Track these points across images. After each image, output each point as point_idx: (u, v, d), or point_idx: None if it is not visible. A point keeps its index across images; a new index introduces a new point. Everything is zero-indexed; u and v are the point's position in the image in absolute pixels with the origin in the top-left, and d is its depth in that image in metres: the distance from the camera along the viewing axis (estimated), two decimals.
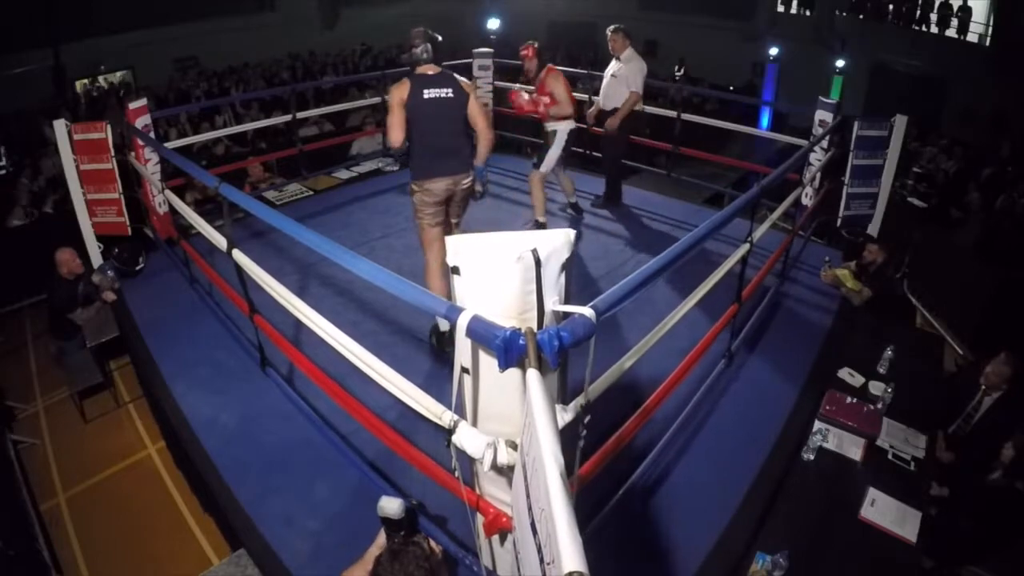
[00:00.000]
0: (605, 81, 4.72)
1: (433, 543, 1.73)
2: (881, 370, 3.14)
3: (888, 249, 3.85)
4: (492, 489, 1.63)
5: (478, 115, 2.96)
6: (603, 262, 4.13)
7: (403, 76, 2.93)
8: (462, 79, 2.98)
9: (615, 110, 4.62)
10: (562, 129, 4.23)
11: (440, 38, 3.02)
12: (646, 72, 4.56)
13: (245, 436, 2.68)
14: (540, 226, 4.32)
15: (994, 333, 4.48)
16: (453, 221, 3.15)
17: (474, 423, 1.56)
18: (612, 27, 4.62)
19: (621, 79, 4.55)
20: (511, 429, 1.45)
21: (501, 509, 1.60)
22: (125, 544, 3.33)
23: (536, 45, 4.30)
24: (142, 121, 4.01)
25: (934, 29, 10.72)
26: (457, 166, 2.95)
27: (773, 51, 11.81)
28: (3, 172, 6.95)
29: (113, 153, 3.86)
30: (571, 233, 1.41)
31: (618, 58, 4.58)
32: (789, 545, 2.14)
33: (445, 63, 3.07)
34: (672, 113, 5.24)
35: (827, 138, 4.13)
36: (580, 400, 1.55)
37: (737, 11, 12.66)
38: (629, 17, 13.74)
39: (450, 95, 2.89)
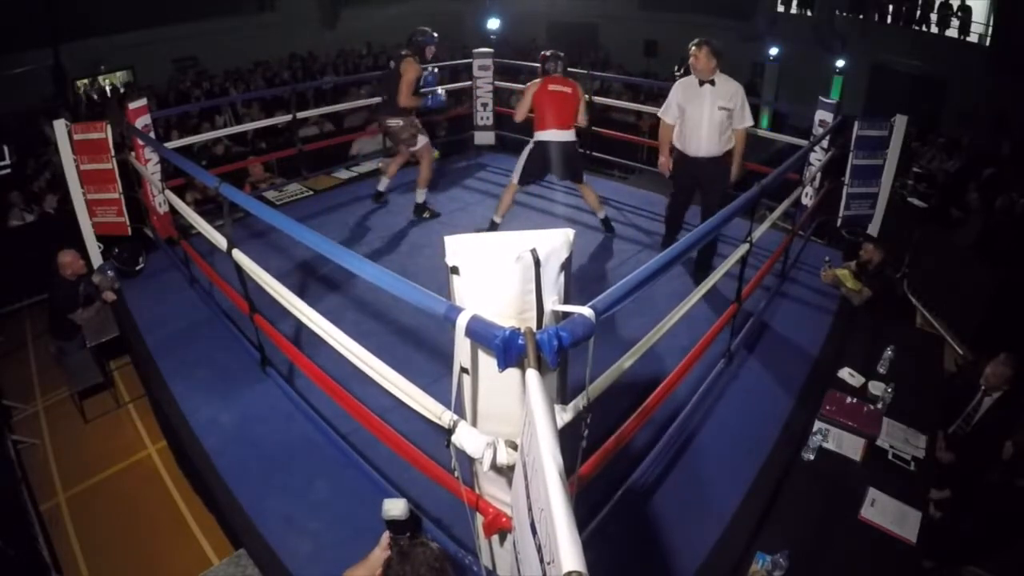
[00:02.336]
0: (703, 114, 3.56)
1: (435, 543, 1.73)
2: (881, 370, 3.14)
3: (885, 249, 3.85)
4: (492, 489, 1.62)
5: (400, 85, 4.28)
6: (603, 262, 4.13)
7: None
8: (404, 62, 4.25)
9: (726, 155, 3.68)
10: (534, 139, 4.17)
11: (420, 34, 4.38)
12: None
13: (245, 436, 2.68)
14: (493, 225, 4.34)
15: (994, 333, 4.48)
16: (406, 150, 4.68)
17: (474, 423, 1.56)
18: (696, 41, 3.52)
19: (736, 113, 3.57)
20: (511, 429, 1.45)
21: (501, 509, 1.60)
22: (125, 544, 3.34)
23: (548, 54, 4.19)
24: (142, 121, 4.01)
25: (934, 29, 10.72)
26: (381, 113, 4.60)
27: (773, 51, 11.81)
28: (7, 171, 6.94)
29: (113, 153, 3.86)
30: (570, 233, 1.41)
31: (709, 82, 3.54)
32: (789, 545, 2.14)
33: (444, 62, 4.27)
34: None
35: (827, 138, 4.13)
36: (580, 400, 1.55)
37: (737, 11, 12.66)
38: (629, 17, 13.80)
39: (390, 71, 4.42)
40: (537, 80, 4.16)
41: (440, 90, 4.53)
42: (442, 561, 1.42)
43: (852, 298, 3.65)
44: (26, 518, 3.35)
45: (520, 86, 6.82)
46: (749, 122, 3.64)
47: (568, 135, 4.15)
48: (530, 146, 4.19)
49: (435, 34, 4.45)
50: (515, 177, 4.23)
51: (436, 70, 4.58)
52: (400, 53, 4.37)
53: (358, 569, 1.67)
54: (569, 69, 4.32)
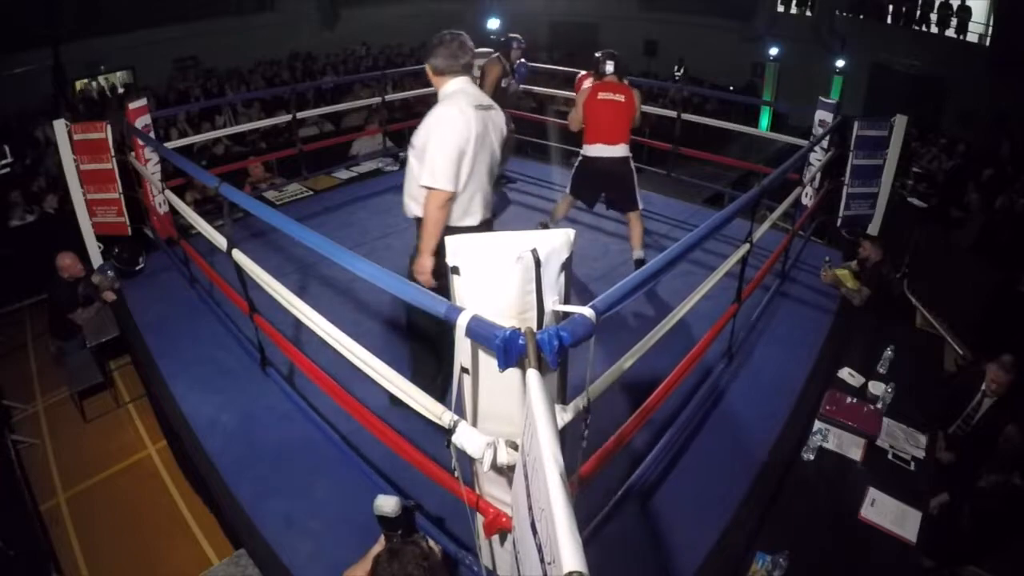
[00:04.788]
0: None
1: (432, 543, 1.72)
2: (881, 370, 3.14)
3: (883, 247, 3.85)
4: (492, 489, 1.62)
5: None
6: (603, 262, 4.12)
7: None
8: (488, 63, 4.57)
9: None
10: (582, 152, 3.86)
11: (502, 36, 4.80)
12: (464, 127, 2.22)
13: (245, 436, 2.68)
14: (545, 228, 4.11)
15: (994, 333, 4.48)
16: None
17: (474, 423, 1.56)
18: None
19: (416, 153, 2.31)
20: (511, 429, 1.45)
21: (501, 509, 1.60)
22: (125, 544, 3.33)
23: (600, 55, 3.78)
24: (142, 121, 4.01)
25: (934, 29, 10.72)
26: None
27: (773, 51, 11.81)
28: (7, 170, 6.95)
29: (113, 153, 3.86)
30: (571, 233, 1.41)
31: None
32: (789, 545, 2.14)
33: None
34: (672, 113, 5.24)
35: (827, 138, 4.13)
36: (580, 400, 1.55)
37: (737, 11, 12.66)
38: (629, 17, 13.80)
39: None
40: (588, 86, 3.78)
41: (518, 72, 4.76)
42: (432, 560, 1.41)
43: (852, 298, 3.65)
44: (26, 518, 3.34)
45: (519, 86, 6.85)
46: (425, 179, 2.22)
47: (616, 151, 3.71)
48: (578, 159, 3.88)
49: (515, 36, 4.74)
50: (568, 188, 3.99)
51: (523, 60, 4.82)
52: (490, 56, 4.64)
53: (357, 569, 1.67)
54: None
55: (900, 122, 4.06)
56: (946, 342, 4.31)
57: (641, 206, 3.88)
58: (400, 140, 6.60)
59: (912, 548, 2.25)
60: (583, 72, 4.09)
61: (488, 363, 1.40)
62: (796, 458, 2.60)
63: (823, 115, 4.29)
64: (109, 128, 3.85)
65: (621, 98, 3.65)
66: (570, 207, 4.15)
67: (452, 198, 2.27)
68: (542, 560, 0.83)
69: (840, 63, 11.06)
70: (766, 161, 6.39)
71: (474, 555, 1.84)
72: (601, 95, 3.67)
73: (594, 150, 3.73)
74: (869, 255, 3.74)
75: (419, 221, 2.37)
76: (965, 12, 10.22)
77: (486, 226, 2.51)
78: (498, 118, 2.43)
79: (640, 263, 3.82)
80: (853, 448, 2.66)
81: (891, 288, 3.77)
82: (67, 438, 4.19)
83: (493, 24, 11.82)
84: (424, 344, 2.61)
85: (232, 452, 2.59)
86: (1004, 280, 4.75)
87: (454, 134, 2.21)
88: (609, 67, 3.68)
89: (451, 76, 2.34)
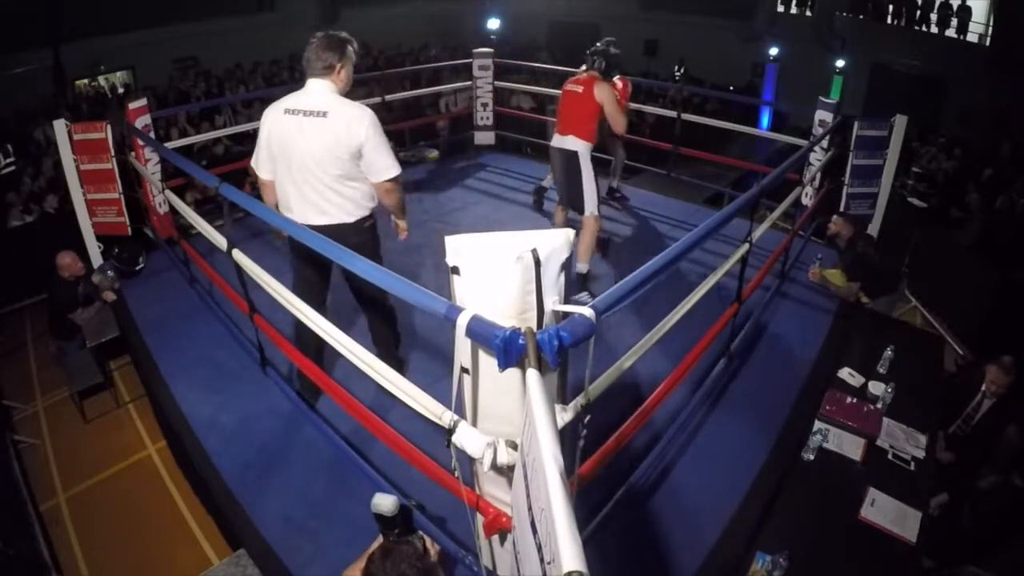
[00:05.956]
0: None
1: (430, 543, 1.72)
2: (881, 370, 3.14)
3: (853, 221, 3.82)
4: (492, 489, 1.62)
5: None
6: (603, 262, 4.12)
7: None
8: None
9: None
10: None
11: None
12: (263, 124, 2.47)
13: (245, 436, 2.68)
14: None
15: (994, 333, 4.48)
16: None
17: (474, 423, 1.56)
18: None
19: None
20: (511, 429, 1.45)
21: (501, 509, 1.60)
22: (125, 544, 3.34)
23: (590, 49, 3.63)
24: (142, 121, 4.01)
25: (934, 29, 10.72)
26: None
27: (773, 51, 11.82)
28: (11, 169, 6.94)
29: (113, 153, 3.86)
30: (571, 233, 1.41)
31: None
32: (789, 545, 2.14)
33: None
34: (672, 113, 5.24)
35: (827, 138, 4.13)
36: (580, 400, 1.55)
37: (737, 11, 12.67)
38: (629, 17, 13.81)
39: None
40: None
41: None
42: (426, 559, 1.41)
43: (849, 296, 3.65)
44: (26, 518, 3.35)
45: (519, 86, 6.90)
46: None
47: (564, 141, 3.49)
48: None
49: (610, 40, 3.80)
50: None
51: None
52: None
53: (356, 568, 1.67)
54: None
55: (900, 122, 4.05)
56: (946, 342, 4.31)
57: (590, 212, 3.52)
58: (400, 140, 6.61)
59: (912, 548, 2.25)
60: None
61: (488, 363, 1.40)
62: (796, 458, 2.60)
63: (823, 115, 4.29)
64: (109, 128, 3.85)
65: (579, 89, 3.47)
66: (566, 213, 3.89)
67: (266, 184, 2.59)
68: (542, 560, 0.83)
69: (840, 63, 11.07)
70: (766, 161, 6.40)
71: (474, 555, 1.83)
72: (567, 86, 3.59)
73: (553, 140, 3.62)
74: (840, 231, 3.71)
75: None
76: (965, 12, 10.22)
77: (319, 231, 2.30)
78: (316, 125, 2.35)
79: (581, 277, 3.56)
80: (853, 448, 2.65)
81: (870, 261, 3.69)
82: (67, 438, 4.19)
83: (493, 24, 11.82)
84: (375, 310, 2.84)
85: (232, 452, 2.59)
86: (1004, 280, 4.75)
87: (261, 128, 2.48)
88: (590, 62, 3.61)
89: (309, 77, 2.45)
